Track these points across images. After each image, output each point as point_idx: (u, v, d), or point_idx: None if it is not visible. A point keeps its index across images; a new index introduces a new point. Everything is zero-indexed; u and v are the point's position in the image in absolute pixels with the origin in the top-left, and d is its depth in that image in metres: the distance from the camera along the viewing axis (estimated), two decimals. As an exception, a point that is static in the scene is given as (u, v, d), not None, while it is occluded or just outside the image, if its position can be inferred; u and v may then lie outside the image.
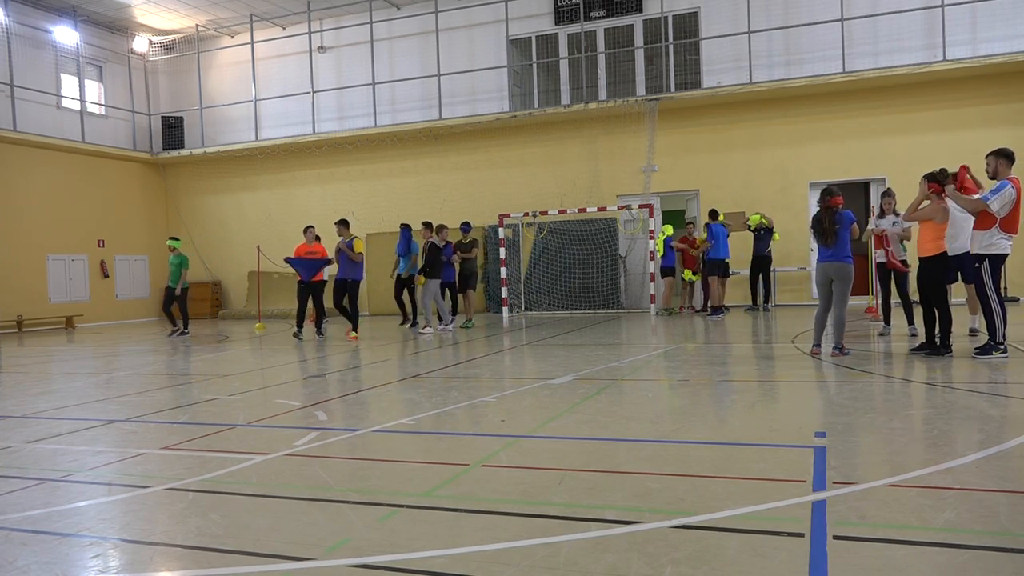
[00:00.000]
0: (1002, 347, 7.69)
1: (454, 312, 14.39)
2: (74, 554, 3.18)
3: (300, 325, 13.16)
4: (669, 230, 16.08)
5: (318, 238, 13.58)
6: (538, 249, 18.24)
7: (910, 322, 10.24)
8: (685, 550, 2.93)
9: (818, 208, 8.43)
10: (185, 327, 15.29)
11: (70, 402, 7.23)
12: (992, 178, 7.78)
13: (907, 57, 16.00)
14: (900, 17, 16.02)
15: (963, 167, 8.52)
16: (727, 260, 15.26)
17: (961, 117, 15.93)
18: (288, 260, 13.17)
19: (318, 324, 13.37)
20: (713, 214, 15.37)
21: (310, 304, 13.45)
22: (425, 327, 13.54)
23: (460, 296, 14.67)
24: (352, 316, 12.86)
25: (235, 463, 4.56)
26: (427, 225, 13.92)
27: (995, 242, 7.61)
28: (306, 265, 12.97)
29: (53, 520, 3.60)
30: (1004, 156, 7.71)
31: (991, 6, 15.57)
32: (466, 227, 14.82)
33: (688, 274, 15.94)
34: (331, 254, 13.22)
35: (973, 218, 7.89)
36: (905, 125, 16.34)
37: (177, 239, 15.61)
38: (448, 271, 14.06)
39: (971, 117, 15.84)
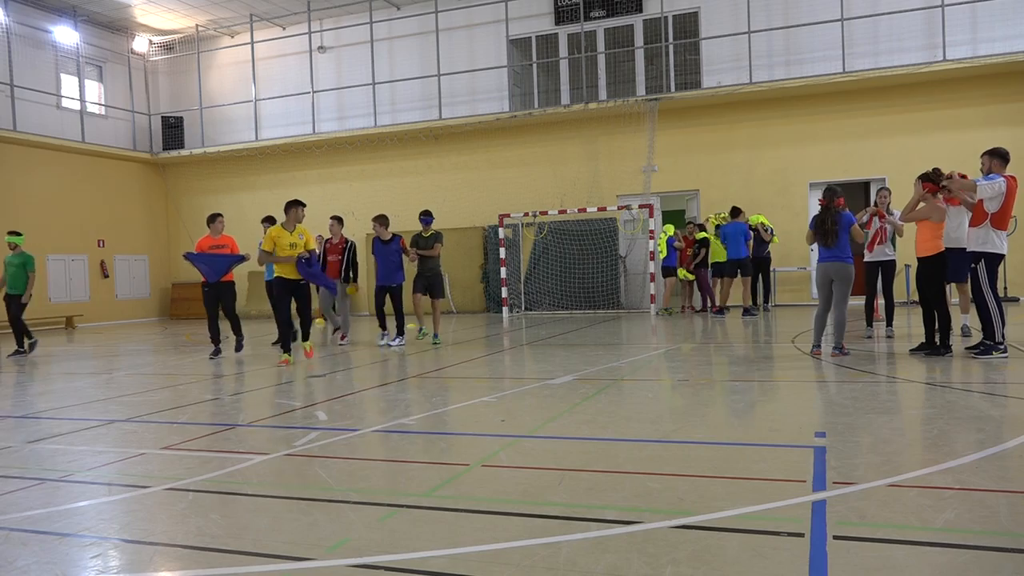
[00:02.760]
0: (1002, 347, 7.70)
1: (400, 327, 11.48)
2: (74, 554, 3.18)
3: (216, 340, 10.76)
4: (671, 230, 16.04)
5: (275, 224, 11.01)
6: (538, 249, 18.24)
7: (889, 323, 10.24)
8: (685, 550, 2.93)
9: (820, 208, 8.43)
10: (21, 344, 12.12)
11: (70, 402, 7.23)
12: (987, 176, 7.82)
13: (907, 57, 16.00)
14: (900, 17, 16.02)
15: (936, 169, 8.54)
16: (746, 259, 14.97)
17: (961, 117, 15.93)
18: (188, 256, 10.68)
19: (238, 338, 10.99)
20: (735, 212, 15.06)
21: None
22: (343, 337, 11.95)
23: (416, 303, 11.79)
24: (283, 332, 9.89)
25: (235, 463, 4.56)
26: (337, 220, 12.13)
27: (991, 239, 7.64)
28: (212, 262, 10.54)
29: (53, 520, 3.60)
30: (999, 156, 7.78)
31: (991, 6, 15.57)
32: (427, 219, 11.71)
33: (683, 272, 15.87)
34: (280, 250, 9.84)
35: (969, 215, 7.96)
36: (905, 125, 16.34)
37: (19, 234, 12.51)
38: (393, 273, 11.40)
39: (971, 117, 15.84)
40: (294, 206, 9.72)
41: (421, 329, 11.81)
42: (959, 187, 7.80)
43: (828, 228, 8.21)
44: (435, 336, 11.46)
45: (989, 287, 7.66)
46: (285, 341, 9.71)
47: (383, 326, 11.66)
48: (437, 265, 11.54)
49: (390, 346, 11.21)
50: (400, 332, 11.48)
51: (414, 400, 6.67)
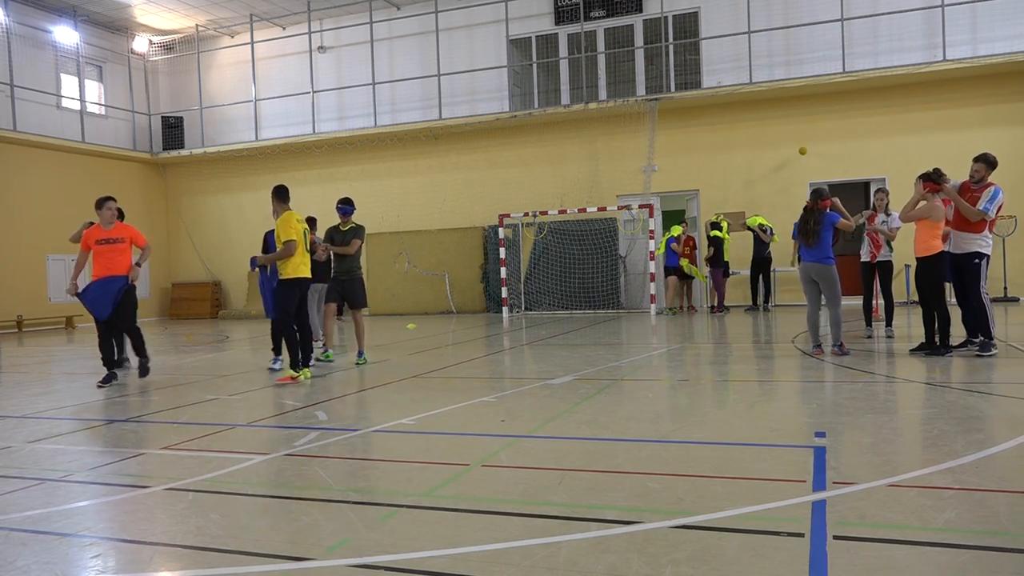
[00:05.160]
0: (994, 343, 7.93)
1: (306, 346, 8.54)
2: (74, 554, 3.18)
3: (115, 362, 8.42)
4: (677, 230, 16.00)
5: (121, 214, 8.76)
6: (538, 249, 18.24)
7: (888, 323, 10.26)
8: (685, 550, 2.93)
9: (805, 207, 8.56)
10: None
11: (70, 402, 7.23)
12: (977, 183, 8.02)
13: (907, 57, 16.00)
14: (900, 17, 16.03)
15: (937, 169, 8.64)
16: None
17: (961, 117, 15.93)
18: (78, 296, 8.14)
19: (114, 359, 8.39)
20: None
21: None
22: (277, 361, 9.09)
23: (328, 317, 9.51)
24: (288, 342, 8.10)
25: (235, 463, 4.56)
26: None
27: (988, 242, 7.98)
28: (96, 299, 8.09)
29: (53, 520, 3.60)
30: (991, 164, 8.02)
31: (991, 6, 15.58)
32: (346, 208, 9.36)
33: (685, 264, 15.81)
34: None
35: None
36: (905, 125, 16.34)
37: None
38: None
39: (971, 117, 15.85)
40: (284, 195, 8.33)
41: (325, 351, 9.28)
42: (973, 216, 7.91)
43: (810, 228, 8.42)
44: (359, 353, 9.37)
45: (984, 286, 7.98)
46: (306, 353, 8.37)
47: (278, 349, 8.95)
48: (356, 266, 9.34)
49: (272, 370, 8.81)
50: (306, 346, 8.64)
51: (414, 400, 6.67)
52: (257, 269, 8.89)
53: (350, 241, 9.25)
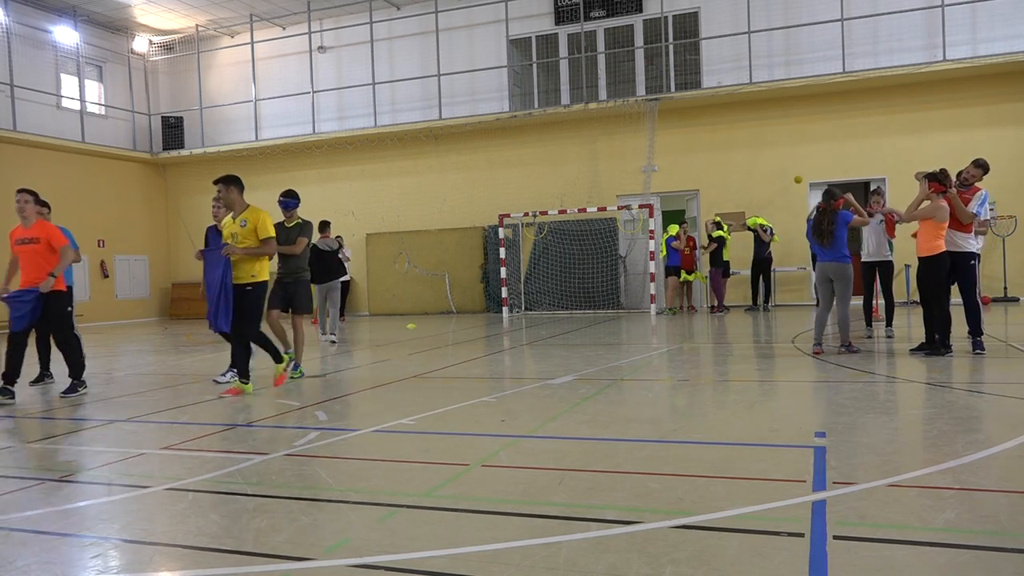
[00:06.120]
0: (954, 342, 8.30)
1: (241, 364, 7.38)
2: (74, 554, 3.18)
3: (13, 379, 7.24)
4: (674, 229, 16.02)
5: (46, 207, 8.12)
6: (538, 249, 18.25)
7: (889, 323, 10.26)
8: (685, 550, 2.93)
9: (818, 208, 8.58)
10: None
11: (69, 402, 7.22)
12: (967, 185, 8.29)
13: (907, 57, 16.00)
14: (900, 17, 16.03)
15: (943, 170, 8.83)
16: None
17: (961, 117, 15.94)
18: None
19: (16, 376, 7.31)
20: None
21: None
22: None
23: (273, 323, 8.31)
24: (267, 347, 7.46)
25: (235, 463, 4.56)
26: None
27: (976, 242, 8.24)
28: (15, 307, 7.27)
29: (53, 520, 3.60)
30: (986, 169, 8.31)
31: (991, 6, 15.58)
32: (289, 202, 8.65)
33: (683, 274, 15.93)
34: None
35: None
36: (905, 125, 16.35)
37: None
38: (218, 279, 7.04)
39: (971, 117, 15.85)
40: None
41: (297, 366, 8.28)
42: (966, 219, 8.05)
43: (824, 228, 8.46)
44: (295, 365, 8.22)
45: (979, 286, 8.31)
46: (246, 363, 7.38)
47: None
48: (301, 267, 8.48)
49: (217, 382, 7.96)
50: (233, 366, 7.81)
51: (414, 400, 6.67)
52: (200, 258, 7.56)
53: (295, 239, 8.37)
